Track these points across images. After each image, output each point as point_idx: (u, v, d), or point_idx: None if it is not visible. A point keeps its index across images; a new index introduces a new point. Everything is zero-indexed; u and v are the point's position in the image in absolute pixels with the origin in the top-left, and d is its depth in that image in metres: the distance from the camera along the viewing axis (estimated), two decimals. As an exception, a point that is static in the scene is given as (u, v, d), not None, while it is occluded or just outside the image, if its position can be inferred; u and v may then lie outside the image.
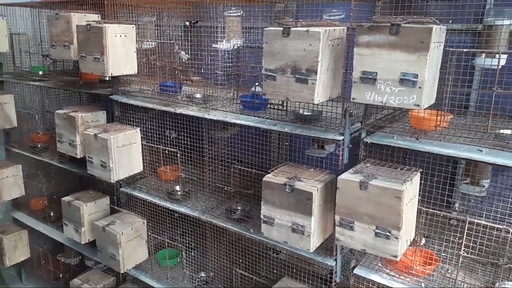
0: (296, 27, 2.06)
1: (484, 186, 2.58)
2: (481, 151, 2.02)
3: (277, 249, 2.95)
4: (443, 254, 2.44)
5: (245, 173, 3.00)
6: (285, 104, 2.66)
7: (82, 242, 3.55)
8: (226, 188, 3.08)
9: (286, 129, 2.52)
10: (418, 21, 1.85)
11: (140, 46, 3.24)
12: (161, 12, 3.48)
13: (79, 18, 3.18)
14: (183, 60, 3.18)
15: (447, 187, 2.52)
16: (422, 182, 2.35)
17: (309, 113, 2.63)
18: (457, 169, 2.80)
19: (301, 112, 2.65)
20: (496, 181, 2.66)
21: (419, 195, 2.25)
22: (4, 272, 4.80)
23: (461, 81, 2.09)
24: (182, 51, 3.14)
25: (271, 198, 2.36)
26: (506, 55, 2.29)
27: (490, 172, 2.60)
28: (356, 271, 2.43)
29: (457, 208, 2.81)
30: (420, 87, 1.81)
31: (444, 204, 2.42)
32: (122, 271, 3.36)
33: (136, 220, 3.41)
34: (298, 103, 2.51)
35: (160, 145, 3.30)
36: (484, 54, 2.32)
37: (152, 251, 3.61)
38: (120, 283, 3.83)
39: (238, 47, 2.89)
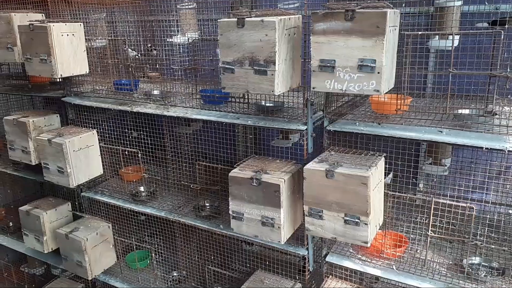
0: (251, 17, 2.00)
1: (446, 165, 2.63)
2: (441, 132, 2.03)
3: (249, 241, 2.92)
4: (412, 236, 2.47)
5: (210, 169, 2.93)
6: (247, 97, 2.61)
7: (45, 252, 3.41)
8: (192, 186, 3.01)
9: (249, 122, 2.47)
10: (372, 6, 1.83)
11: (90, 44, 3.09)
12: (111, 8, 3.33)
13: (21, 18, 2.99)
14: (136, 56, 3.06)
15: (411, 169, 2.54)
16: (387, 166, 2.36)
17: (271, 105, 2.59)
18: (419, 150, 2.84)
19: (263, 103, 2.60)
20: (457, 160, 2.71)
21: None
22: (-36, 289, 4.57)
23: (418, 64, 2.09)
24: (129, 48, 3.02)
25: (238, 193, 2.32)
26: (459, 35, 2.32)
27: (450, 151, 2.65)
28: (328, 258, 2.44)
29: (421, 189, 2.86)
30: (378, 72, 1.79)
31: (410, 186, 2.44)
32: (90, 278, 3.25)
33: (101, 225, 3.29)
34: (259, 94, 2.46)
35: (120, 146, 3.18)
36: (437, 36, 2.34)
37: (120, 255, 3.51)
38: (89, 290, 3.71)
39: (194, 40, 2.79)
